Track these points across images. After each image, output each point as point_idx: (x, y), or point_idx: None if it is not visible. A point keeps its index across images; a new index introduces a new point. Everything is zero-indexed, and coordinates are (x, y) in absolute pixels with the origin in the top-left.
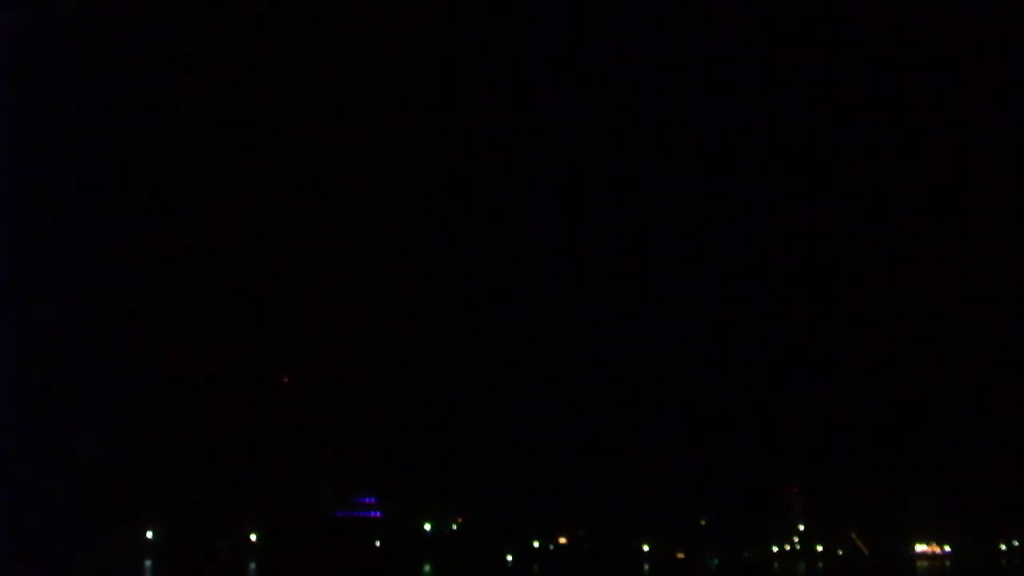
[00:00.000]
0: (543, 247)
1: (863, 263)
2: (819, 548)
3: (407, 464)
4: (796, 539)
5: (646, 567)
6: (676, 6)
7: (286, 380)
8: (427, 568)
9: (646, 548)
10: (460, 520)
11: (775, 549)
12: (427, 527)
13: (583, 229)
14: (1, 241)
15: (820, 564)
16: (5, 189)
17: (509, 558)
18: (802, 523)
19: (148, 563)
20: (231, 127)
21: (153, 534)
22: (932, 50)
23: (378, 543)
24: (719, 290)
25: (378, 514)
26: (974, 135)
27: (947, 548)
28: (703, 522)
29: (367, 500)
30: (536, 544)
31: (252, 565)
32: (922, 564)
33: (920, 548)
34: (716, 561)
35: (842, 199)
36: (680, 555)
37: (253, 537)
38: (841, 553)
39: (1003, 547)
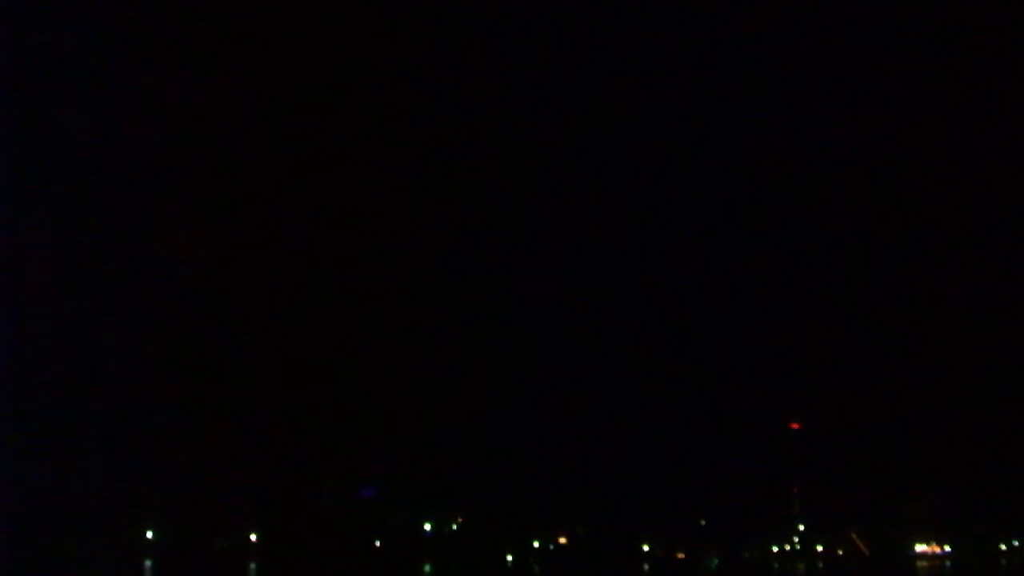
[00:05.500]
0: (544, 248)
1: (863, 262)
2: (819, 548)
3: (407, 464)
4: (796, 539)
5: (646, 567)
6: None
7: (286, 380)
8: (427, 568)
9: (646, 548)
10: (460, 520)
11: (775, 549)
12: (427, 527)
13: (584, 230)
14: (1, 240)
15: (820, 564)
16: (5, 188)
17: (509, 558)
18: (802, 523)
19: (148, 563)
20: (230, 126)
21: (153, 534)
22: (932, 50)
23: (378, 543)
24: (718, 289)
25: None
26: (974, 136)
27: (947, 548)
28: (703, 522)
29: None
30: (536, 544)
31: (252, 565)
32: (922, 564)
33: (920, 548)
34: (716, 561)
35: (842, 201)
36: (680, 555)
37: (253, 537)
38: (841, 553)
39: (1003, 547)
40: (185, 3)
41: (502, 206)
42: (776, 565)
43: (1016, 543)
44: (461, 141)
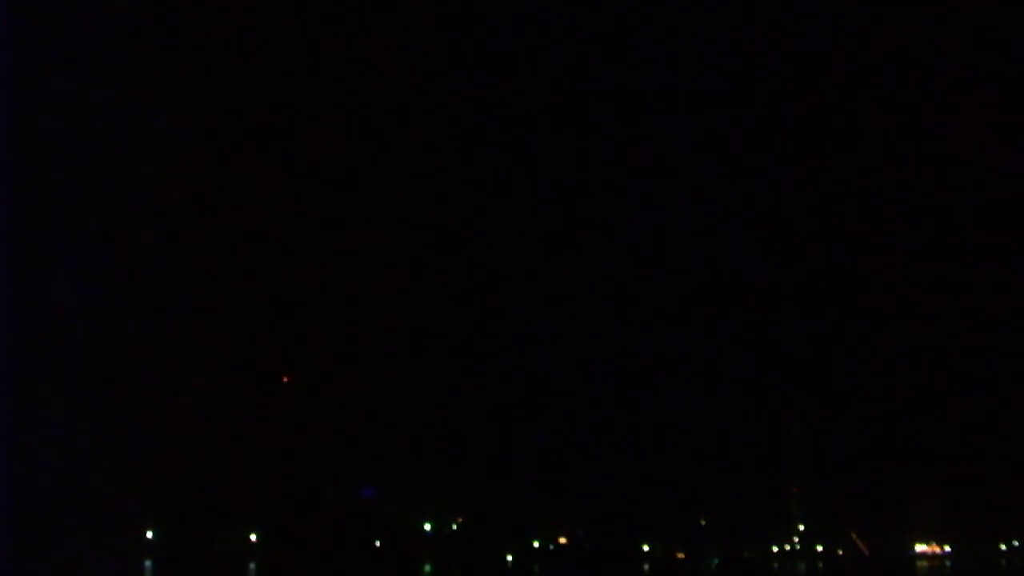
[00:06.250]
0: (543, 248)
1: (863, 261)
2: (819, 548)
3: (407, 463)
4: (796, 539)
5: (646, 567)
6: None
7: (286, 380)
8: (427, 568)
9: (646, 548)
10: (460, 520)
11: (775, 549)
12: (427, 527)
13: (584, 230)
14: (1, 238)
15: (820, 564)
16: (6, 187)
17: (509, 558)
18: (802, 523)
19: (148, 563)
20: (230, 126)
21: (153, 534)
22: (932, 50)
23: (378, 543)
24: (718, 289)
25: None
26: (974, 136)
27: (947, 548)
28: (703, 522)
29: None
30: (536, 544)
31: (252, 565)
32: (922, 564)
33: (920, 548)
34: (716, 561)
35: (841, 201)
36: (680, 555)
37: (253, 537)
38: (841, 553)
39: (1003, 547)
40: (186, 4)
41: (503, 210)
42: (776, 565)
43: (1016, 543)
44: (458, 143)
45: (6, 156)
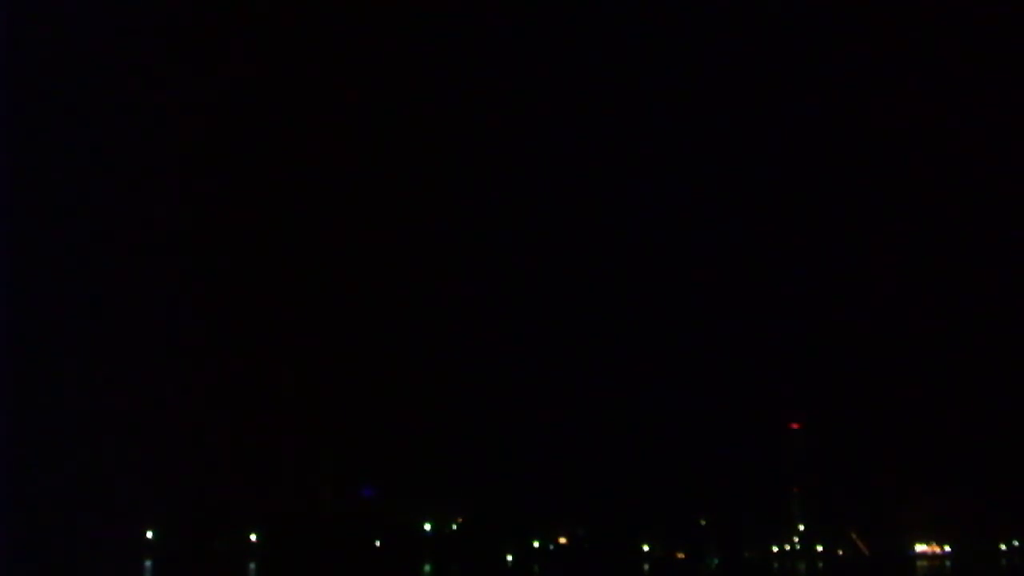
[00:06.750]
0: (544, 247)
1: (863, 261)
2: (819, 548)
3: (407, 463)
4: (796, 539)
5: (646, 567)
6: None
7: (286, 380)
8: (427, 568)
9: (646, 548)
10: (460, 520)
11: (775, 549)
12: (427, 527)
13: (585, 230)
14: (1, 239)
15: (820, 564)
16: (6, 189)
17: (509, 558)
18: (802, 523)
19: (148, 563)
20: (232, 126)
21: (153, 534)
22: (932, 50)
23: (378, 543)
24: (717, 289)
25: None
26: (974, 135)
27: (947, 548)
28: (703, 522)
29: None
30: (536, 544)
31: (252, 565)
32: (922, 564)
33: (920, 548)
34: (716, 561)
35: (841, 202)
36: (680, 555)
37: (253, 537)
38: (841, 553)
39: (1003, 547)
40: (187, 4)
41: (503, 209)
42: (776, 565)
43: (1016, 543)
44: (458, 143)
45: (6, 156)
